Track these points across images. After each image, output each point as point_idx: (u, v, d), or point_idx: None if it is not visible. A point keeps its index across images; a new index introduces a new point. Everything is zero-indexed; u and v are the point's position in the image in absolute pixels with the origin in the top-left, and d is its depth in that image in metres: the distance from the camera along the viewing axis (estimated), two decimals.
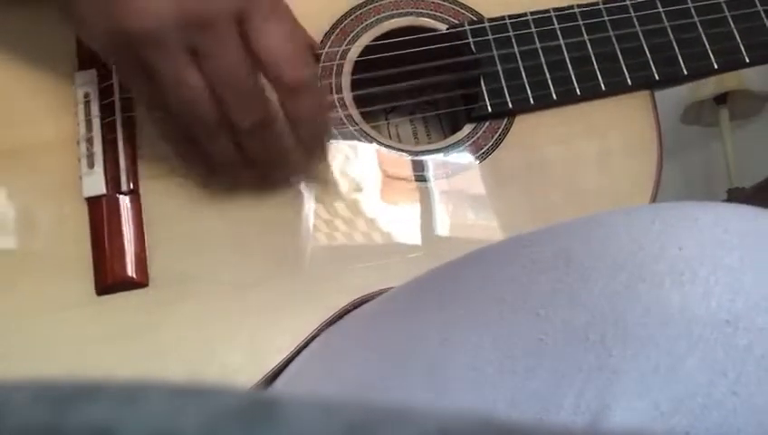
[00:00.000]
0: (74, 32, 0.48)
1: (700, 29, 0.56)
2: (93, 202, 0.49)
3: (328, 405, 0.15)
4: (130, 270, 0.48)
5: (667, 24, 0.56)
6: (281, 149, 0.47)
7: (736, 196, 1.58)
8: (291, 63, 0.44)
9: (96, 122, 0.51)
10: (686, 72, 0.55)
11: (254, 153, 0.46)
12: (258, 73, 0.44)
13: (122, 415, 0.14)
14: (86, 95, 0.51)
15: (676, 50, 0.55)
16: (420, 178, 0.52)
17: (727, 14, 0.56)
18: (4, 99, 0.52)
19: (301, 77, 0.44)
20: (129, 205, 0.49)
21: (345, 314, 0.47)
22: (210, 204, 0.50)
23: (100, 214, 0.49)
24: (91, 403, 0.14)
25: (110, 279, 0.48)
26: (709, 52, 0.55)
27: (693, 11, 0.56)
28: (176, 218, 0.49)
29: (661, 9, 0.56)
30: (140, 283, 0.48)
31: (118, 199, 0.49)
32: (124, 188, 0.49)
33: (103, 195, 0.49)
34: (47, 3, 0.47)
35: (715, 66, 0.55)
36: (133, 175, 0.50)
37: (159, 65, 0.42)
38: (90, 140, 0.50)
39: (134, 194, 0.50)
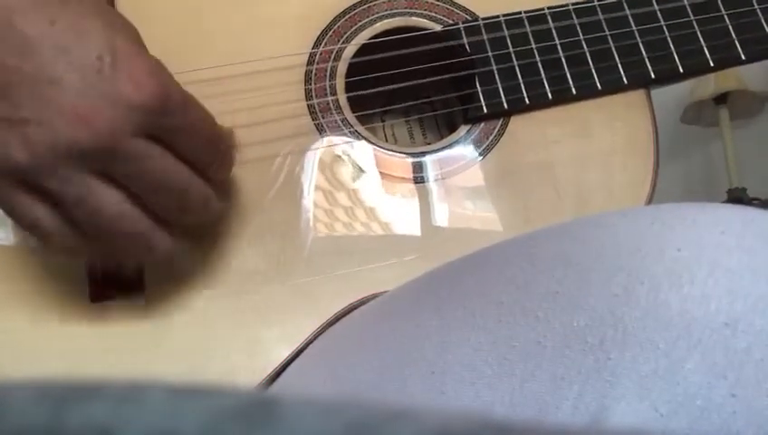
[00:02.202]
0: None
1: (696, 26, 0.56)
2: None
3: (328, 405, 0.15)
4: (125, 276, 0.47)
5: (662, 21, 0.56)
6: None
7: (736, 196, 1.59)
8: (215, 158, 0.42)
9: None
10: (681, 70, 0.55)
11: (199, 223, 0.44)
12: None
13: (122, 415, 0.14)
14: None
15: (672, 48, 0.55)
16: (417, 179, 0.52)
17: (723, 11, 0.56)
18: None
19: (229, 166, 0.43)
20: None
21: (343, 316, 0.47)
22: None
23: None
24: (92, 403, 0.14)
25: (103, 285, 0.47)
26: (705, 49, 0.55)
27: (688, 8, 0.56)
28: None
29: (656, 7, 0.56)
30: (135, 289, 0.47)
31: None
32: None
33: None
34: None
35: (711, 64, 0.55)
36: None
37: (66, 195, 0.38)
38: None
39: None
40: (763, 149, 1.73)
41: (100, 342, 0.46)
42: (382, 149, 0.52)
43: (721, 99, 1.68)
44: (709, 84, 1.64)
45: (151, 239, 0.41)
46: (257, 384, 0.45)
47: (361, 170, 0.52)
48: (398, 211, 0.51)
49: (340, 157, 0.52)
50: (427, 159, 0.52)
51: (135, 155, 0.38)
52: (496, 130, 0.54)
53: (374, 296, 0.47)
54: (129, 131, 0.37)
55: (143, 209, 0.40)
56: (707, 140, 1.79)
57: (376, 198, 0.51)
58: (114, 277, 0.48)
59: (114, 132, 0.37)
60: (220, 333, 0.47)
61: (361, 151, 0.52)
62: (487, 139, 0.53)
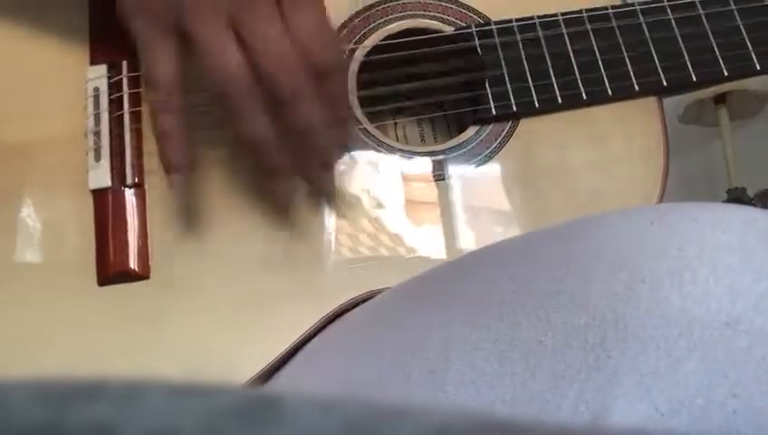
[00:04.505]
0: None
1: (711, 36, 0.55)
2: (99, 194, 0.50)
3: (327, 403, 0.15)
4: (132, 262, 0.48)
5: (677, 30, 0.55)
6: (315, 124, 0.46)
7: (736, 196, 1.59)
8: (324, 46, 0.45)
9: (104, 117, 0.51)
10: (695, 79, 0.54)
11: (290, 126, 0.46)
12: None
13: (122, 414, 0.14)
14: (95, 90, 0.52)
15: (686, 56, 0.55)
16: (420, 179, 0.52)
17: (739, 21, 0.55)
18: (16, 92, 0.53)
19: (332, 60, 0.45)
20: (133, 198, 0.50)
21: (344, 311, 0.47)
22: (214, 198, 0.50)
23: (105, 206, 0.50)
24: (91, 402, 0.14)
25: (111, 270, 0.48)
26: (719, 59, 0.55)
27: (704, 18, 0.56)
28: (179, 212, 0.50)
29: (671, 16, 0.55)
30: (142, 275, 0.48)
31: (123, 192, 0.50)
32: (129, 181, 0.50)
33: (109, 187, 0.50)
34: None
35: (726, 73, 0.55)
36: (138, 169, 0.51)
37: (201, 33, 0.43)
38: (97, 134, 0.51)
39: (139, 187, 0.50)
40: (763, 149, 1.73)
41: (106, 326, 0.47)
42: (386, 148, 0.53)
43: (721, 98, 1.67)
44: None
45: (253, 117, 0.45)
46: (255, 378, 0.45)
47: (363, 169, 0.52)
48: (397, 210, 0.51)
49: (348, 154, 0.52)
50: (432, 160, 0.53)
51: (266, 11, 0.43)
52: (505, 132, 0.54)
53: (374, 293, 0.47)
54: None
55: (253, 73, 0.43)
56: (707, 140, 1.79)
57: (378, 197, 0.51)
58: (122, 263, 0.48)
59: None
60: (219, 326, 0.47)
61: (366, 149, 0.52)
62: (496, 140, 0.53)
